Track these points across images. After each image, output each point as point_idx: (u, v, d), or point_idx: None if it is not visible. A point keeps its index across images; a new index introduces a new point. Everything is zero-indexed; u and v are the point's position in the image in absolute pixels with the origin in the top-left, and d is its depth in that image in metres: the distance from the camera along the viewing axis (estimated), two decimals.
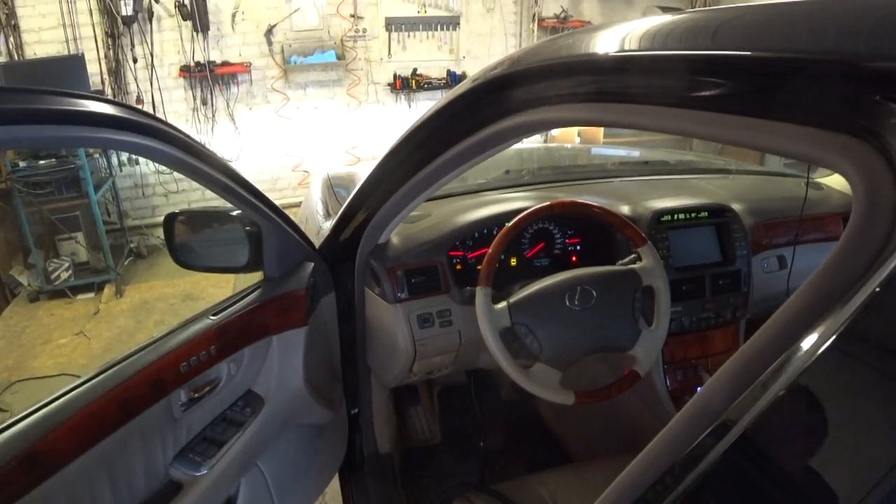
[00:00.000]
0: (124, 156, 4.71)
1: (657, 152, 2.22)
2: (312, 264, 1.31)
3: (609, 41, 0.63)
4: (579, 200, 1.35)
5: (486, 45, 5.53)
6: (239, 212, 1.21)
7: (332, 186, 2.01)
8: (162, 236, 5.15)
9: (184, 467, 1.07)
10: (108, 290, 4.11)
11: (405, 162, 1.05)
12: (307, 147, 5.18)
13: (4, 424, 0.83)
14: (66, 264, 4.16)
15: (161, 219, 4.77)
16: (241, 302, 1.17)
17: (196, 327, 1.09)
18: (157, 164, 4.82)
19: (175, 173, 4.89)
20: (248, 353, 1.18)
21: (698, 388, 1.67)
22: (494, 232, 1.51)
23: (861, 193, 0.38)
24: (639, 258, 1.35)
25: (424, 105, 5.45)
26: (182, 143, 0.93)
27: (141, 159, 4.75)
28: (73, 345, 3.51)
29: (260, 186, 1.16)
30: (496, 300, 1.24)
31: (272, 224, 1.17)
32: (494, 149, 0.90)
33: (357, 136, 5.15)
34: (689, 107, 0.53)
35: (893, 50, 0.37)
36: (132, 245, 4.74)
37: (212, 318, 1.12)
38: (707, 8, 0.60)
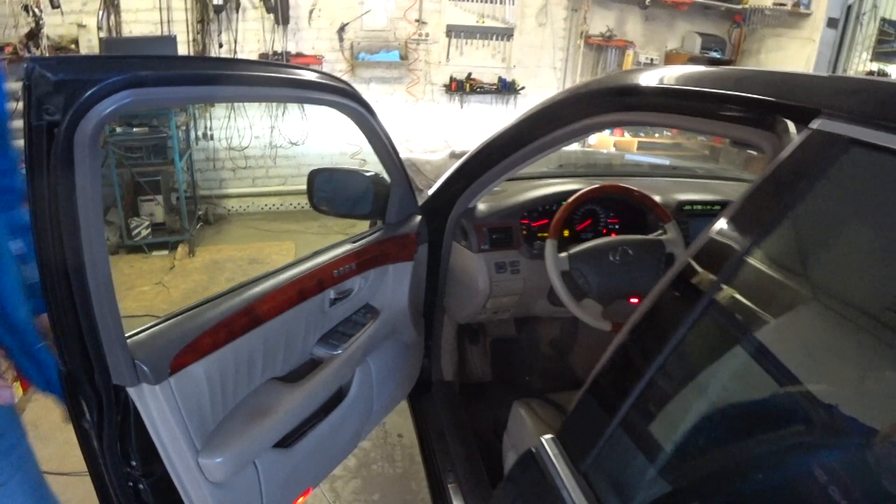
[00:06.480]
0: (201, 131, 5.19)
1: (684, 162, 2.61)
2: (419, 217, 1.72)
3: (654, 77, 1.07)
4: (622, 185, 1.75)
5: (536, 57, 5.92)
6: (370, 173, 1.63)
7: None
8: (229, 207, 5.59)
9: (325, 348, 1.48)
10: (182, 250, 4.58)
11: (500, 148, 1.47)
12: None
13: (235, 287, 1.24)
14: (146, 223, 4.64)
15: (228, 191, 5.27)
16: (373, 236, 1.59)
17: (344, 248, 1.50)
18: (228, 141, 5.28)
19: (244, 151, 5.36)
20: (374, 274, 1.59)
21: None
22: (554, 208, 1.91)
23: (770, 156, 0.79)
24: (664, 233, 1.74)
25: (475, 107, 5.86)
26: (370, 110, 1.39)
27: (215, 135, 5.23)
28: (154, 292, 3.98)
29: None
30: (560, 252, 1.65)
31: (402, 182, 1.59)
32: (563, 144, 1.32)
33: (412, 130, 5.58)
34: (686, 114, 0.99)
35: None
36: (200, 213, 5.21)
37: (353, 244, 1.54)
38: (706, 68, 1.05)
